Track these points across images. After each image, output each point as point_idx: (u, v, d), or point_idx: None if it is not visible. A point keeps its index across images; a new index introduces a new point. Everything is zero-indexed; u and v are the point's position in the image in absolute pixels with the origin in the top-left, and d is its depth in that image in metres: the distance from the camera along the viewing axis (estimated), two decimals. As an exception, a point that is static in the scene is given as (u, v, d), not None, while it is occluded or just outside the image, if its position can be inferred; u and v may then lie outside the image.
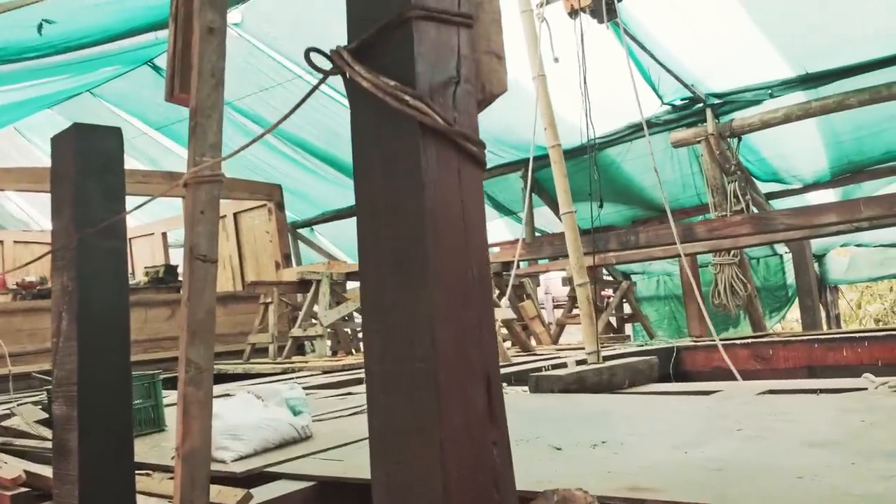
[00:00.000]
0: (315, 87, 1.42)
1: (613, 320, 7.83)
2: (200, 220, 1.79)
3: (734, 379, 4.83)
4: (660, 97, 7.70)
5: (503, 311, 6.13)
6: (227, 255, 10.39)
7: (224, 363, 7.98)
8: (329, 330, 7.53)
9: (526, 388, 3.52)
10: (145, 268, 9.98)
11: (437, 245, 1.20)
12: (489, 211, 9.88)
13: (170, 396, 5.63)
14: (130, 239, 11.88)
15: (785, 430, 2.11)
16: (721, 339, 5.68)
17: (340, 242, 11.74)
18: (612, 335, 7.26)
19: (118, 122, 10.04)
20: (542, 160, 7.95)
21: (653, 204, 8.85)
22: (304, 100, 1.47)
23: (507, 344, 6.93)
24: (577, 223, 5.23)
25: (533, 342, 7.45)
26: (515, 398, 3.24)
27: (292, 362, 7.12)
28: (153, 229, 11.43)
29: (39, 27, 4.66)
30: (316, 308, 7.60)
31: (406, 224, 1.21)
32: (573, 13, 5.00)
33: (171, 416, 3.86)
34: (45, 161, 12.11)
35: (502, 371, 4.86)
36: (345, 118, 8.57)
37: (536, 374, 3.33)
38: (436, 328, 1.17)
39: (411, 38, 1.23)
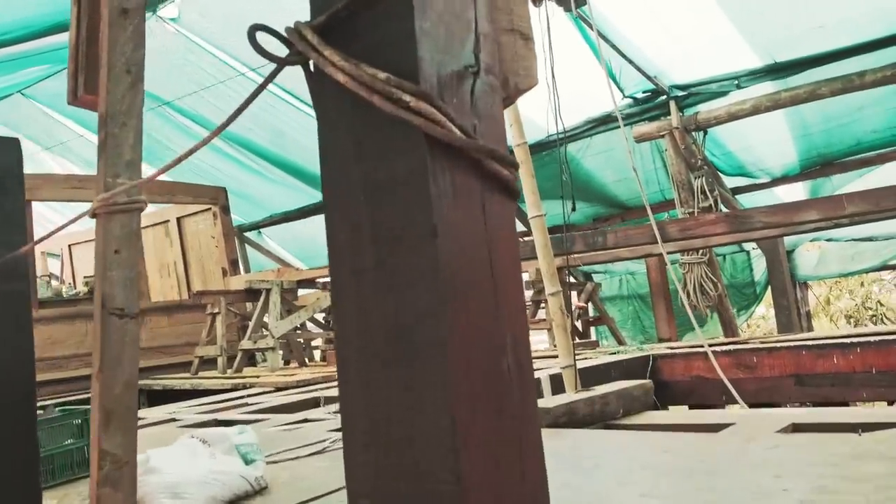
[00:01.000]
0: (267, 81, 0.99)
1: (579, 324, 7.50)
2: (115, 263, 1.33)
3: (722, 391, 4.54)
4: (621, 90, 7.39)
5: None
6: (172, 262, 9.78)
7: (170, 377, 7.44)
8: (281, 340, 7.05)
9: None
10: (85, 277, 9.31)
11: (456, 321, 0.78)
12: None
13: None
14: (70, 245, 11.16)
15: (844, 492, 1.74)
16: (699, 345, 5.38)
17: (289, 245, 11.21)
18: (578, 341, 6.92)
19: (52, 124, 9.40)
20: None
21: (615, 201, 8.56)
22: (249, 100, 1.04)
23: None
24: (545, 225, 4.86)
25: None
26: (499, 434, 2.85)
27: (243, 376, 6.62)
28: (94, 235, 10.70)
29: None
30: (267, 318, 7.11)
31: (409, 290, 0.80)
32: (537, 0, 4.60)
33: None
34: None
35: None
36: (291, 117, 8.08)
37: (522, 405, 2.96)
38: (459, 455, 0.76)
39: (410, 5, 0.81)
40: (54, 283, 8.95)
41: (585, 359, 5.76)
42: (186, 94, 8.05)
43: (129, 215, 1.36)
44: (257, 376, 6.47)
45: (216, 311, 7.36)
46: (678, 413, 2.89)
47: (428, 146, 0.80)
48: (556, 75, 6.10)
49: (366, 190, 0.84)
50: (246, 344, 6.87)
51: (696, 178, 7.21)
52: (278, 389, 5.81)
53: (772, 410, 2.67)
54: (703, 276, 7.02)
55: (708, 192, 7.10)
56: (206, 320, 7.53)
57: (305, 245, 10.93)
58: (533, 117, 7.56)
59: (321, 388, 5.63)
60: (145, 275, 10.03)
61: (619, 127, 7.64)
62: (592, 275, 9.20)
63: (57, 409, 3.69)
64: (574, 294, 7.15)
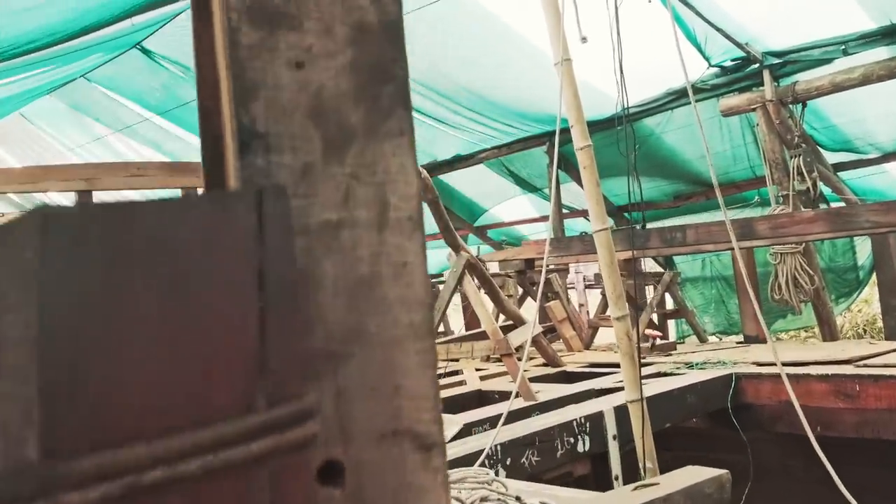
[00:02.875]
0: None
1: (655, 317, 6.89)
2: None
3: (816, 421, 3.92)
4: (706, 59, 6.57)
5: (523, 332, 5.21)
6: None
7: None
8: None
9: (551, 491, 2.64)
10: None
11: None
12: (511, 187, 8.93)
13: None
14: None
15: None
16: (790, 363, 4.73)
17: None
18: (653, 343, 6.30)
19: (116, 107, 9.27)
20: (568, 133, 6.86)
21: (699, 178, 7.78)
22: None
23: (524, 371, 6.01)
24: (612, 241, 4.28)
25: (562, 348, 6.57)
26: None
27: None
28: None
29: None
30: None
31: None
32: (604, -22, 3.95)
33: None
34: (52, 144, 11.42)
35: (516, 434, 3.93)
36: None
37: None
38: None
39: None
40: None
41: (658, 373, 5.18)
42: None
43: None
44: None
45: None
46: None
47: None
48: (630, 44, 5.48)
49: None
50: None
51: (792, 156, 6.38)
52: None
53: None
54: (797, 267, 6.25)
55: (806, 174, 6.26)
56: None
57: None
58: (603, 88, 6.83)
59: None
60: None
61: (705, 98, 6.88)
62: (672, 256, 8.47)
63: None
64: (646, 310, 6.50)
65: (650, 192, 8.04)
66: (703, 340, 6.76)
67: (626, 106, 4.35)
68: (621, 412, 4.23)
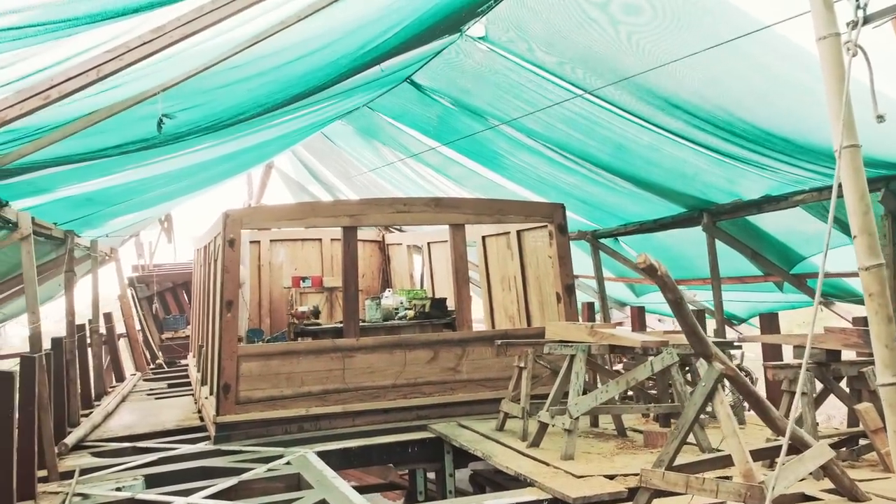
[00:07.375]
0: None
1: None
2: None
3: None
4: None
5: (795, 468, 4.20)
6: (512, 276, 9.44)
7: (474, 427, 7.07)
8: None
9: None
10: (413, 300, 9.47)
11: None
12: (840, 237, 7.51)
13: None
14: (429, 243, 11.56)
15: None
16: None
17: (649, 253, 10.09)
18: None
19: (399, 134, 9.77)
20: None
21: None
22: None
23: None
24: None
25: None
26: None
27: (535, 457, 5.94)
28: (446, 236, 10.88)
29: (159, 123, 4.11)
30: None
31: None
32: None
33: None
34: (351, 160, 12.41)
35: None
36: (631, 132, 7.05)
37: None
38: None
39: None
40: (387, 301, 9.23)
41: None
42: (522, 114, 7.47)
43: None
44: (547, 463, 5.72)
45: (522, 365, 6.73)
46: None
47: None
48: None
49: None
50: (544, 416, 6.12)
51: None
52: (552, 506, 5.01)
53: None
54: None
55: None
56: (517, 368, 6.96)
57: (665, 256, 9.72)
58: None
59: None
60: (488, 285, 9.87)
61: None
62: None
63: None
64: None
65: None
66: None
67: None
68: None
